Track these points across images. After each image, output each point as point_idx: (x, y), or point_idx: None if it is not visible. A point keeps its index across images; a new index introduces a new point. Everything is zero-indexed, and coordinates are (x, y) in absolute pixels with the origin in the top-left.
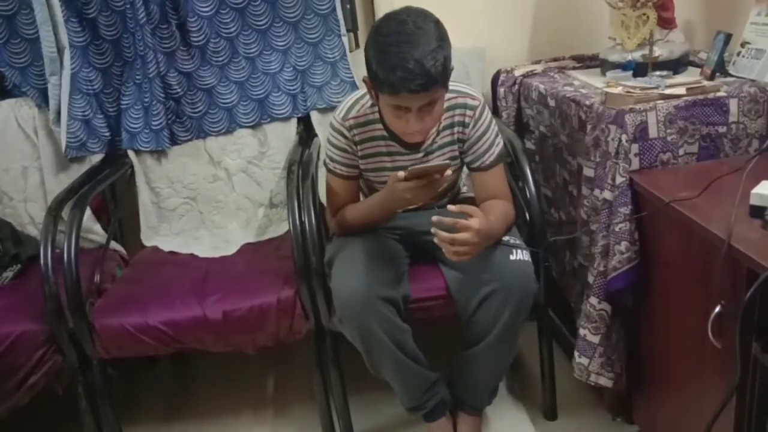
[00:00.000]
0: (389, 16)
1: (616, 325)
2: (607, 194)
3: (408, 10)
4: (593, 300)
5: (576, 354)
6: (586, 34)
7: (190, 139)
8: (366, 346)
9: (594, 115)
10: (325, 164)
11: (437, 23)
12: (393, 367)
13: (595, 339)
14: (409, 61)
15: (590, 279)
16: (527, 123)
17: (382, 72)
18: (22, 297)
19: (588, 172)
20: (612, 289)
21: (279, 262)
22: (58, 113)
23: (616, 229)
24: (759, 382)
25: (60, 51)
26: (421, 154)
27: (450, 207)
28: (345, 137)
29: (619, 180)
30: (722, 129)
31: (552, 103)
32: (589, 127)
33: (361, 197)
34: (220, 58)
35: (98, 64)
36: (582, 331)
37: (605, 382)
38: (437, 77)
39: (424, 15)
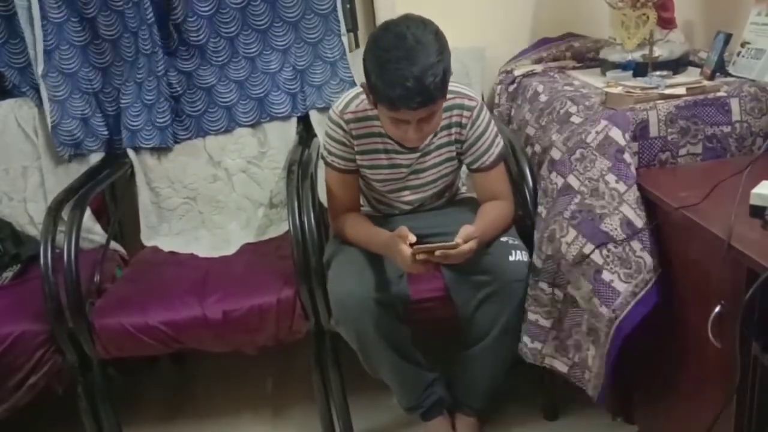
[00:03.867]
0: (388, 27)
1: (568, 312)
2: (573, 181)
3: (408, 21)
4: (543, 285)
5: (527, 339)
6: (586, 34)
7: (190, 138)
8: (362, 347)
9: (590, 111)
10: (322, 158)
11: (437, 34)
12: (389, 367)
13: (547, 323)
14: (408, 78)
15: (539, 263)
16: (512, 122)
17: (381, 87)
18: (22, 297)
19: (555, 154)
20: (632, 322)
21: (279, 262)
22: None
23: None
24: (759, 382)
25: (47, 52)
26: (417, 154)
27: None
28: (343, 130)
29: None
30: (727, 129)
31: (543, 99)
32: (579, 124)
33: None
34: (220, 58)
35: (98, 63)
36: (533, 316)
37: (560, 366)
38: (436, 93)
39: (423, 26)
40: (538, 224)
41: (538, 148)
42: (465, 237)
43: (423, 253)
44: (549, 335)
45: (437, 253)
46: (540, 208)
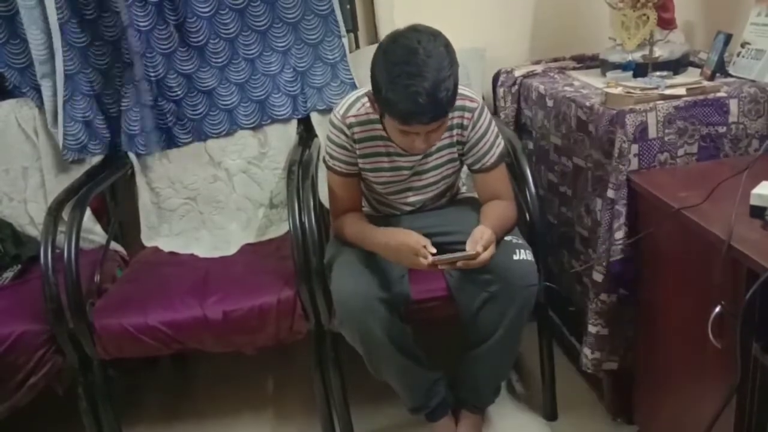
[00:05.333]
0: (397, 39)
1: (619, 316)
2: (611, 194)
3: (418, 34)
4: (603, 296)
5: (587, 351)
6: (586, 35)
7: (191, 142)
8: (367, 348)
9: (595, 115)
10: (324, 161)
11: (447, 46)
12: (394, 368)
13: (606, 332)
14: (420, 94)
15: (599, 278)
16: (525, 124)
17: (392, 101)
18: (23, 297)
19: (598, 172)
20: (614, 271)
21: (279, 263)
22: (55, 115)
23: (615, 225)
24: (759, 383)
25: (53, 53)
26: (419, 156)
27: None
28: (345, 134)
29: (620, 179)
30: (722, 129)
31: (550, 103)
32: (592, 127)
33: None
34: (220, 60)
35: (98, 65)
36: (593, 329)
37: (612, 366)
38: (448, 106)
39: (434, 38)
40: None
41: (570, 164)
42: (485, 244)
43: (445, 264)
44: (607, 342)
45: (459, 264)
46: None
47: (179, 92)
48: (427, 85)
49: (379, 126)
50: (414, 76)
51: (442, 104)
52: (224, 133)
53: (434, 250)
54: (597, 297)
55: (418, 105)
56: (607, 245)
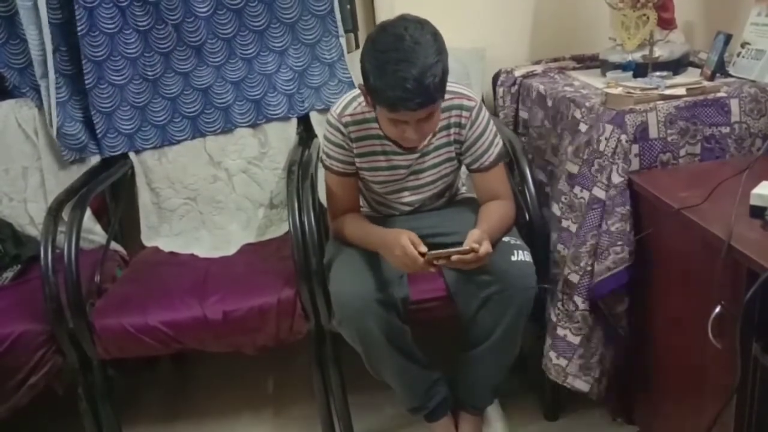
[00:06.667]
0: (385, 28)
1: (597, 329)
2: (599, 193)
3: (405, 22)
4: (577, 300)
5: (553, 354)
6: (586, 35)
7: (185, 139)
8: (366, 348)
9: (593, 114)
10: (321, 161)
11: (435, 34)
12: (393, 368)
13: (576, 340)
14: (407, 80)
15: (575, 279)
16: (520, 124)
17: (380, 89)
18: (23, 297)
19: (572, 168)
20: (603, 291)
21: (279, 263)
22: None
23: (612, 229)
24: (759, 383)
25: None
26: (416, 155)
27: (453, 258)
28: (341, 133)
29: (617, 180)
30: (725, 129)
31: (549, 103)
32: (584, 126)
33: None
34: (217, 59)
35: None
36: (561, 332)
37: (582, 385)
38: (436, 93)
39: (421, 27)
40: (567, 239)
41: (556, 162)
42: (476, 240)
43: (440, 258)
44: (575, 353)
45: (453, 258)
46: (566, 223)
47: (175, 90)
48: (414, 71)
49: (375, 125)
50: (400, 61)
51: (430, 90)
52: (219, 130)
53: (425, 250)
54: (570, 299)
55: (406, 91)
56: (594, 244)
